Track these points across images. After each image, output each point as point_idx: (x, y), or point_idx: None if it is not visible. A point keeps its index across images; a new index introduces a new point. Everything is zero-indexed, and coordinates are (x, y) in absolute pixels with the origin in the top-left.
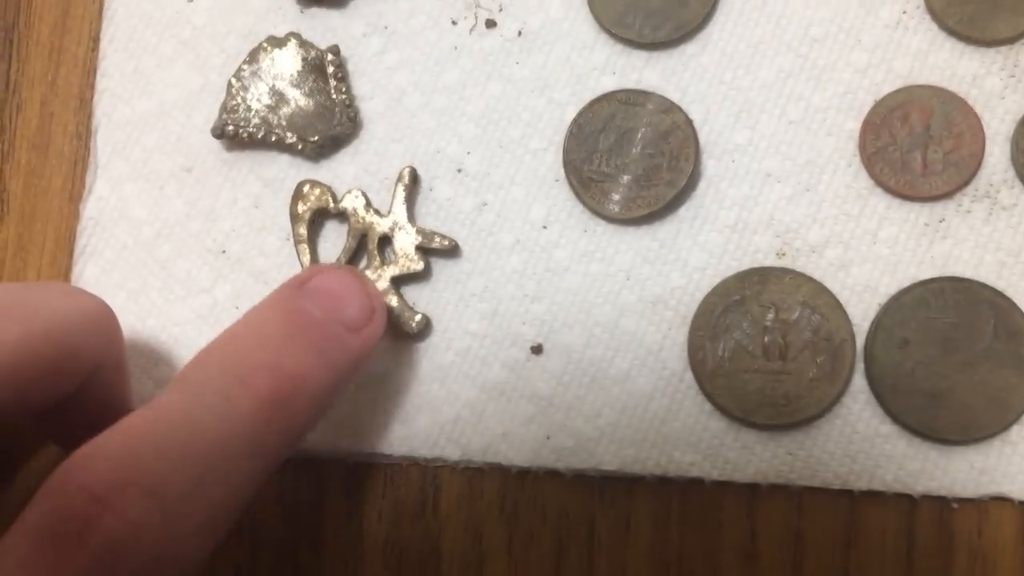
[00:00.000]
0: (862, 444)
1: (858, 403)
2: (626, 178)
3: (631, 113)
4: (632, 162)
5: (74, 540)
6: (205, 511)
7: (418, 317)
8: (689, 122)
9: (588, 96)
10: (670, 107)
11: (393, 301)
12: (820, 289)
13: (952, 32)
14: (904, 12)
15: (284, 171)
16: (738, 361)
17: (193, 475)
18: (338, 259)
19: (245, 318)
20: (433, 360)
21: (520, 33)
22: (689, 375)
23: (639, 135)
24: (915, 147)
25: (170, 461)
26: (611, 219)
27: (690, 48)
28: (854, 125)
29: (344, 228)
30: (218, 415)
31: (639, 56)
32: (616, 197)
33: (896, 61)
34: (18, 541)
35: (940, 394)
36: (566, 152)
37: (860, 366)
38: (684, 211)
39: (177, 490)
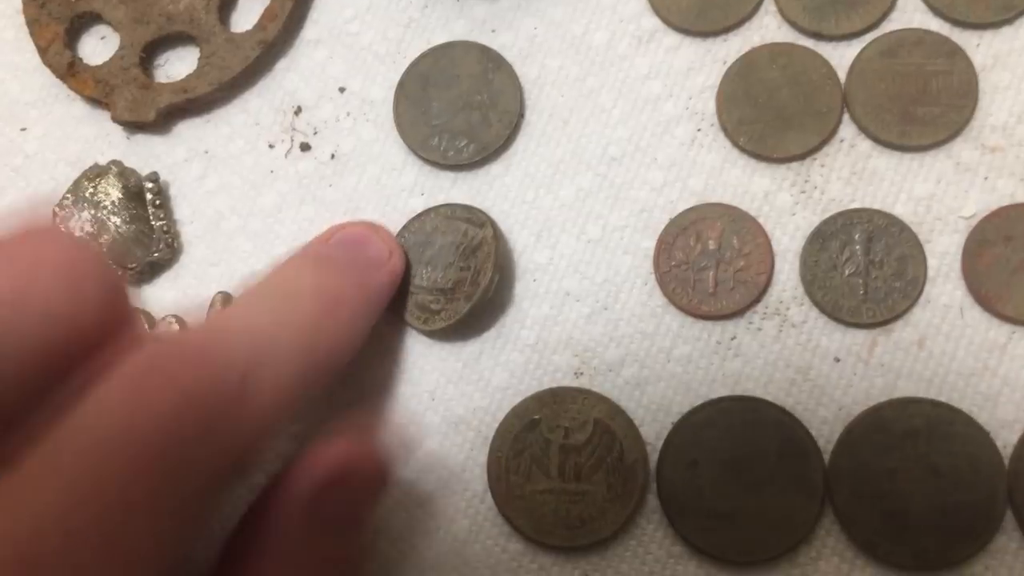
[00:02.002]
0: (655, 565)
1: (651, 523)
2: (436, 291)
3: (451, 227)
4: (444, 275)
5: (147, 394)
6: (272, 392)
7: None
8: (494, 237)
9: (397, 217)
10: (483, 221)
11: None
12: (614, 409)
13: (744, 150)
14: (699, 130)
15: None
16: (534, 482)
17: (261, 360)
18: None
19: (278, 268)
20: (244, 482)
21: (333, 156)
22: (489, 496)
23: (455, 249)
24: (706, 266)
25: (241, 344)
26: (422, 331)
27: (494, 168)
28: (649, 243)
29: None
30: (273, 318)
31: (446, 177)
32: (421, 310)
33: (691, 179)
34: (100, 392)
35: (728, 515)
36: None
37: (653, 486)
38: (489, 331)
39: (248, 361)
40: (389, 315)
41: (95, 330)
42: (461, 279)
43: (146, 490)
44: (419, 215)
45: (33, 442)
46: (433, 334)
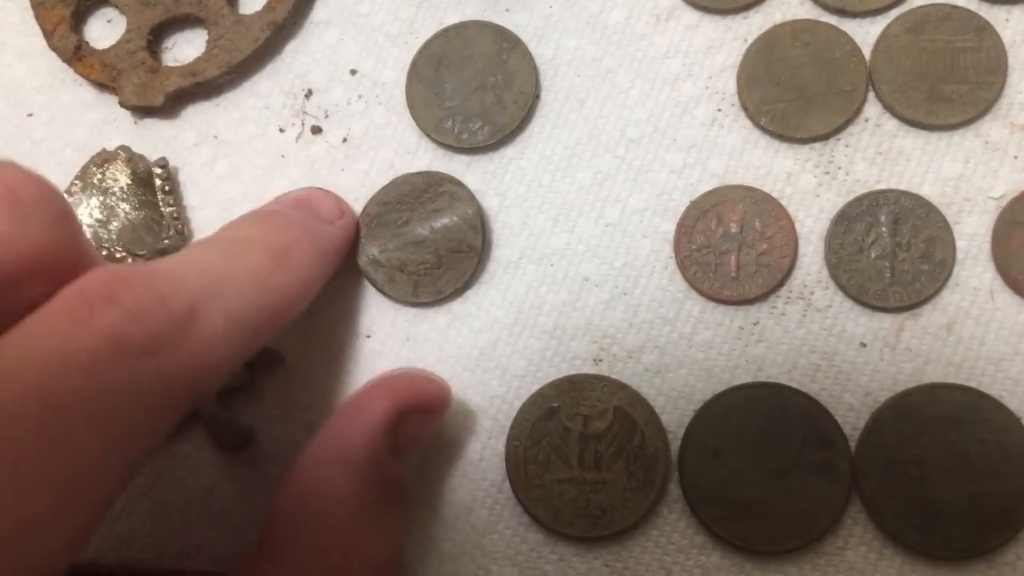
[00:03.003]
0: (677, 556)
1: (673, 513)
2: (431, 263)
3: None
4: (436, 247)
5: (89, 311)
6: (222, 325)
7: (244, 429)
8: (479, 213)
9: None
10: (470, 198)
11: (218, 414)
12: (635, 397)
13: (766, 130)
14: (719, 110)
15: None
16: (553, 471)
17: (209, 293)
18: None
19: (228, 224)
20: (258, 472)
21: (345, 140)
22: (507, 486)
23: (443, 223)
24: (728, 249)
25: (189, 276)
26: (415, 305)
27: (510, 151)
28: (669, 227)
29: None
30: (224, 260)
31: (460, 160)
32: (412, 285)
33: (711, 160)
34: (41, 312)
35: (751, 504)
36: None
37: (675, 475)
38: (504, 318)
39: (196, 297)
40: (397, 299)
41: (40, 256)
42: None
43: (86, 413)
44: (384, 188)
45: None
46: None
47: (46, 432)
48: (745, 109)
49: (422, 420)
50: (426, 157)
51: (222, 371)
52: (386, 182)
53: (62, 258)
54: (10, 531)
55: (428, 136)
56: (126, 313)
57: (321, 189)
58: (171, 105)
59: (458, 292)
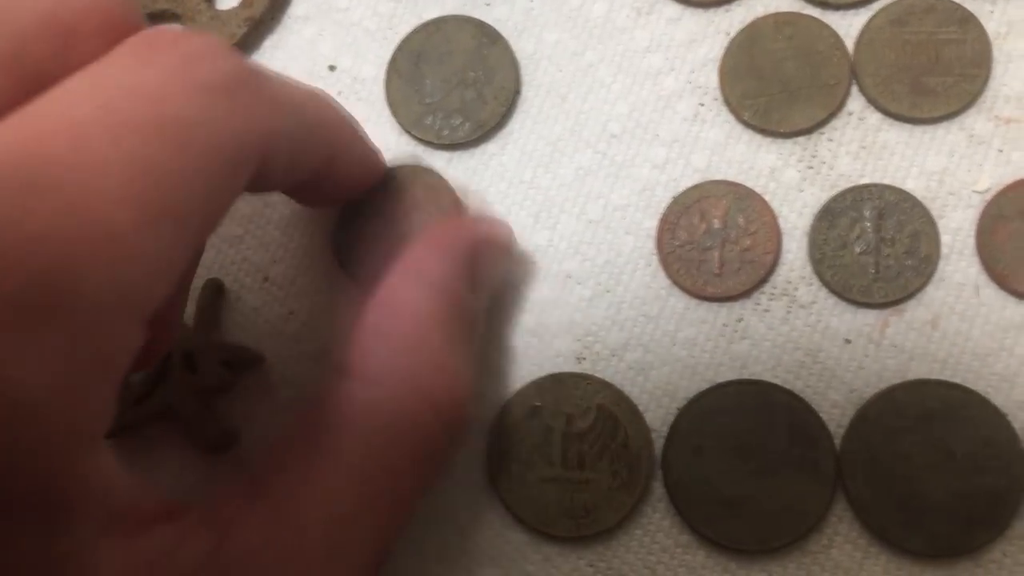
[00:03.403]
0: (661, 555)
1: (658, 512)
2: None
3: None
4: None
5: (156, 50)
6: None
7: (226, 431)
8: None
9: None
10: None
11: (200, 416)
12: (618, 395)
13: (748, 125)
14: (702, 105)
15: None
16: (536, 471)
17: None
18: (143, 376)
19: None
20: (241, 472)
21: None
22: (491, 486)
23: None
24: (711, 245)
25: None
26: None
27: (490, 147)
28: (652, 223)
29: None
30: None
31: (440, 156)
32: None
33: (694, 156)
34: (106, 55)
35: (736, 502)
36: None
37: (659, 473)
38: (487, 316)
39: None
40: None
41: (101, 9)
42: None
43: (160, 137)
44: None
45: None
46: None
47: (121, 146)
48: (728, 103)
49: (494, 257)
50: (406, 154)
51: (281, 149)
52: None
53: (123, 16)
54: (99, 244)
55: (408, 133)
56: (196, 51)
57: None
58: None
59: None
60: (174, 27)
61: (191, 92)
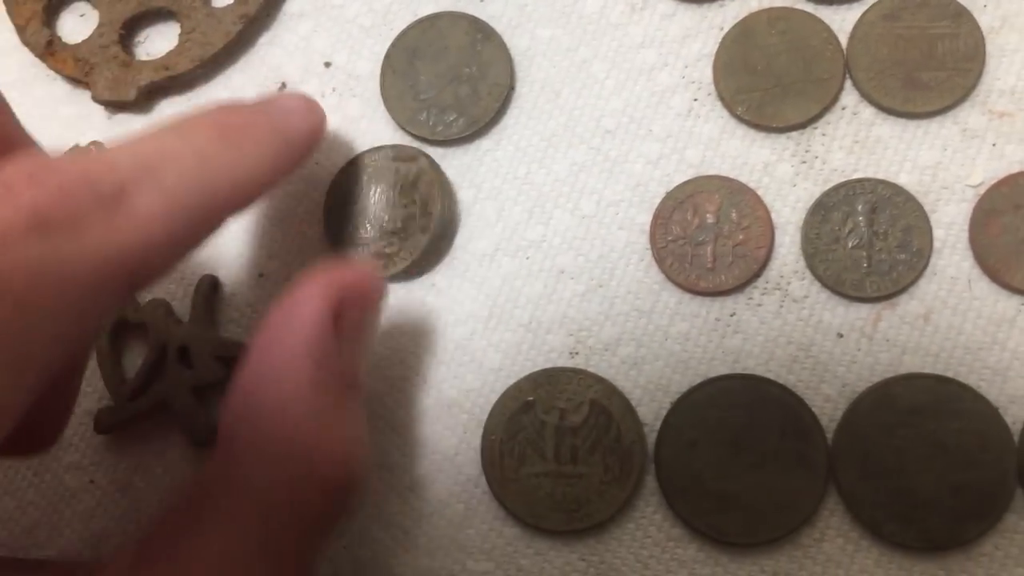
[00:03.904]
0: (653, 548)
1: (650, 506)
2: (387, 235)
3: (383, 170)
4: (390, 218)
5: (7, 191)
6: (159, 204)
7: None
8: (431, 166)
9: None
10: (413, 155)
11: (193, 410)
12: (611, 389)
13: (742, 120)
14: (695, 100)
15: None
16: (529, 465)
17: (145, 171)
18: (139, 371)
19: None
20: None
21: None
22: (483, 480)
23: (393, 189)
24: (704, 240)
25: (121, 157)
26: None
27: (485, 143)
28: (646, 218)
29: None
30: (169, 138)
31: (435, 152)
32: (377, 258)
33: (688, 150)
34: None
35: (728, 496)
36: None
37: (652, 467)
38: (479, 311)
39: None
40: None
41: None
42: (410, 215)
43: (2, 286)
44: (343, 169)
45: None
46: (396, 277)
47: None
48: (721, 98)
49: (361, 305)
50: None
51: (163, 253)
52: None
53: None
54: None
55: (403, 129)
56: (47, 193)
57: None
58: (144, 100)
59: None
60: (43, 160)
61: (40, 237)
